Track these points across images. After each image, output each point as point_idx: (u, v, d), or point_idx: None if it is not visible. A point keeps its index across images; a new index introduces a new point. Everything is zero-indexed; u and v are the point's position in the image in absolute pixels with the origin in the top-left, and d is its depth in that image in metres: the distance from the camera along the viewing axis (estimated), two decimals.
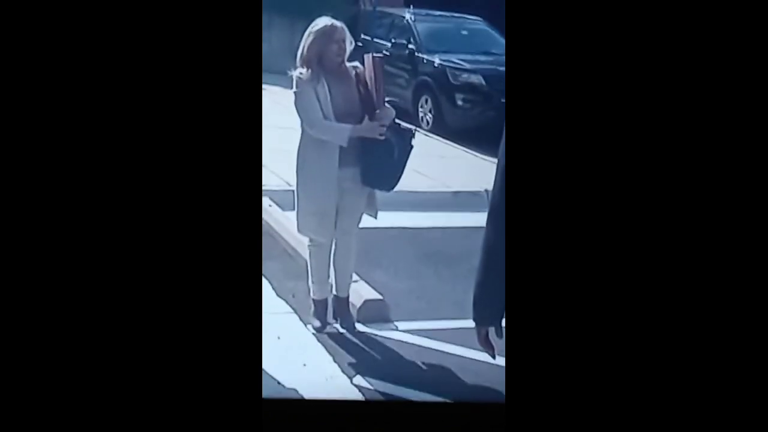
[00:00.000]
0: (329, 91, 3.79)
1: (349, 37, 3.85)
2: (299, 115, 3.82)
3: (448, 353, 3.84)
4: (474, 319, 2.39)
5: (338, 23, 3.84)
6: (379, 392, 3.50)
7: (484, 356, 2.44)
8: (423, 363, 3.81)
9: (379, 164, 3.86)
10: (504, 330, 2.37)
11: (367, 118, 3.80)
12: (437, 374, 3.72)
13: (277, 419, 2.24)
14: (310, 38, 3.79)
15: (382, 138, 3.80)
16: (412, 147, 3.96)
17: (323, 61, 3.79)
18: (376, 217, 4.04)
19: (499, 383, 2.85)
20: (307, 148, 3.84)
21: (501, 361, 2.47)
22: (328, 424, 2.80)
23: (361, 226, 4.05)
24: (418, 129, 4.20)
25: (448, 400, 3.41)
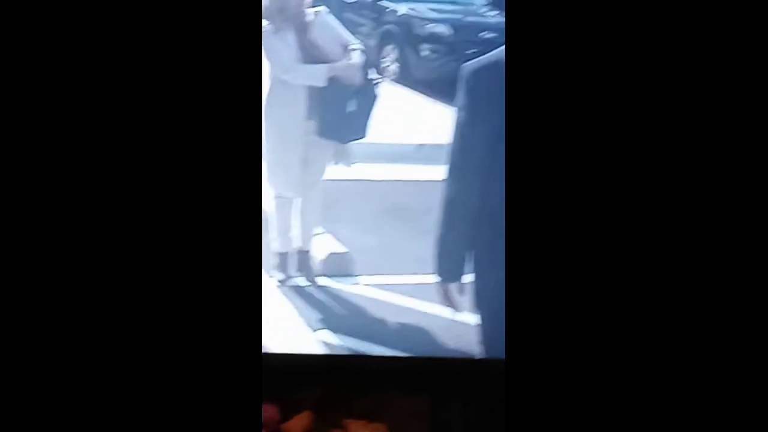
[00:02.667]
0: (297, 41, 3.74)
1: None
2: (270, 63, 3.74)
3: (412, 309, 3.82)
4: (435, 274, 2.35)
5: None
6: (344, 346, 3.48)
7: (448, 312, 2.41)
8: (387, 318, 3.79)
9: (345, 115, 3.83)
10: (465, 286, 2.33)
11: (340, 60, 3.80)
12: (402, 329, 3.71)
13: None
14: None
15: (358, 81, 3.81)
16: (377, 96, 3.90)
17: (284, 12, 3.71)
18: (350, 166, 4.04)
19: (463, 339, 2.83)
20: (274, 98, 3.77)
21: (465, 317, 2.44)
22: (295, 377, 2.80)
23: (322, 178, 4.02)
24: (382, 79, 4.16)
25: (412, 355, 3.41)
